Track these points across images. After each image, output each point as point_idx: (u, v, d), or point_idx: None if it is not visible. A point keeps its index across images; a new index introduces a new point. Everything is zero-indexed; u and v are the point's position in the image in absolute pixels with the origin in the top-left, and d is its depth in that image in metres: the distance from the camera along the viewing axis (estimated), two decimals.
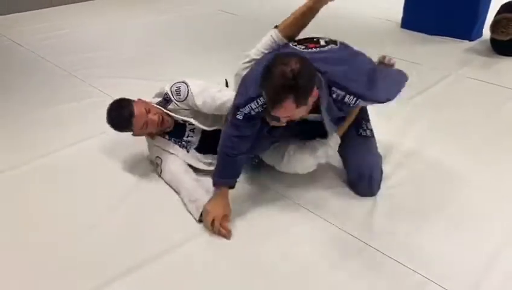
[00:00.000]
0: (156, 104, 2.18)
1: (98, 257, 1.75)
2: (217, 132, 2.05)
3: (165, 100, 2.18)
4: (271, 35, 2.02)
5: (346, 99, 1.72)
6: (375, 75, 1.81)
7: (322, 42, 1.94)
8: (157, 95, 2.23)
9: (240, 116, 1.77)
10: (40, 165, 2.31)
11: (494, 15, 3.63)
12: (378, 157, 2.09)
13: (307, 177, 2.08)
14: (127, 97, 2.17)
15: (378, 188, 2.05)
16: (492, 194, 2.09)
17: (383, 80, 1.87)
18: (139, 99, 2.16)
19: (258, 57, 1.99)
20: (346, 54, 1.92)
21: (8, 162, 2.32)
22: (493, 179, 2.19)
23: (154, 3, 5.39)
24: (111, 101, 2.16)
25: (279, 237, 1.84)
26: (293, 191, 2.08)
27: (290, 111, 1.58)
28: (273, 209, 1.99)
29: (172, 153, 2.16)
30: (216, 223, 1.80)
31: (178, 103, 2.15)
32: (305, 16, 2.07)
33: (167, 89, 2.18)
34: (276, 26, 2.04)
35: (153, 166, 2.23)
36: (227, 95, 2.07)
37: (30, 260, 1.74)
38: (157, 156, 2.18)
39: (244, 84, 1.82)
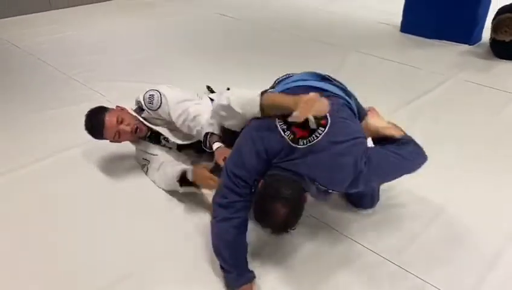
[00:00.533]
0: (134, 110, 2.18)
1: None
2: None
3: (139, 108, 2.18)
4: (254, 99, 1.67)
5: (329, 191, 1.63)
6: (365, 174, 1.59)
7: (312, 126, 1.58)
8: (136, 102, 2.23)
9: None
10: (38, 168, 2.31)
11: (492, 18, 3.65)
12: None
13: None
14: (104, 106, 2.18)
15: (378, 200, 2.04)
16: (492, 198, 2.09)
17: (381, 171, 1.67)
18: (118, 106, 2.16)
19: (235, 110, 1.71)
20: (335, 151, 1.57)
21: (6, 165, 2.32)
22: (493, 183, 2.19)
23: (154, 8, 5.40)
24: (110, 104, 2.17)
25: None
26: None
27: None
28: None
29: (156, 155, 2.18)
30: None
31: (150, 112, 2.14)
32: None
33: (140, 97, 2.16)
34: (263, 93, 1.70)
35: (140, 167, 2.26)
36: (203, 109, 2.01)
37: (28, 263, 1.74)
38: (144, 158, 2.22)
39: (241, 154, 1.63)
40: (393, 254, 1.76)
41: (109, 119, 2.05)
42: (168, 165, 2.09)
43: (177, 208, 2.03)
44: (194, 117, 2.00)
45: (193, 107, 2.04)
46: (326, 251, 1.80)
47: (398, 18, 4.53)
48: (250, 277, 1.65)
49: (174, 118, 2.06)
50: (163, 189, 2.10)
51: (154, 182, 2.16)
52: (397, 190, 2.13)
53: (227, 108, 1.74)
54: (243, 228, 1.65)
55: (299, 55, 3.90)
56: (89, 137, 2.13)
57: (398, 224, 1.93)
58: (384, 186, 2.00)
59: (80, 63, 3.61)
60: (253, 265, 1.68)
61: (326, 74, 1.95)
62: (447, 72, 3.51)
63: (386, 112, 2.84)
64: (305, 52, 3.98)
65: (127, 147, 2.33)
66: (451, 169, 2.30)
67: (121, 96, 2.85)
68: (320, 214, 1.97)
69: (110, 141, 2.14)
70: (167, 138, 2.19)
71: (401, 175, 1.73)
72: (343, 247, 1.82)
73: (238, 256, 1.66)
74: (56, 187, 2.18)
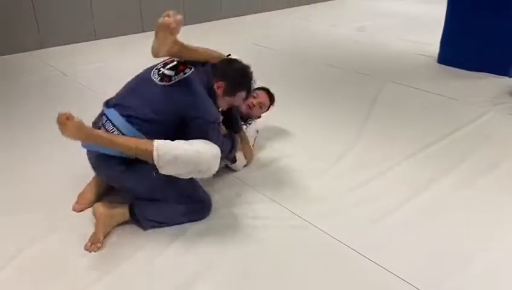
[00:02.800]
0: None
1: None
2: None
3: None
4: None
5: None
6: None
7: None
8: None
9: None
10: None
11: None
12: None
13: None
14: None
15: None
16: None
17: None
18: None
19: None
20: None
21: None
22: None
23: (188, 38, 5.53)
24: None
25: None
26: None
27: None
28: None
29: None
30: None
31: None
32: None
33: None
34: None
35: None
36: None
37: None
38: None
39: (204, 104, 2.02)
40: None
41: None
42: None
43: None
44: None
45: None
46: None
47: (435, 49, 4.52)
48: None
49: None
50: None
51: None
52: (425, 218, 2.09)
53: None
54: None
55: (334, 86, 3.94)
56: None
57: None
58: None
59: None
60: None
61: None
62: (486, 104, 3.46)
63: (425, 144, 2.85)
64: (340, 83, 4.01)
65: None
66: (487, 203, 2.25)
67: None
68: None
69: None
70: None
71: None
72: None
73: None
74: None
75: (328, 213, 2.16)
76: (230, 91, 2.13)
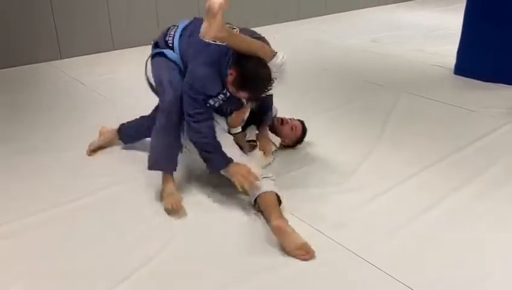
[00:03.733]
0: None
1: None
2: None
3: None
4: None
5: None
6: None
7: None
8: None
9: (209, 104, 2.23)
10: (96, 200, 2.42)
11: None
12: None
13: None
14: None
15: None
16: None
17: None
18: None
19: None
20: None
21: (68, 196, 2.43)
22: None
23: None
24: None
25: None
26: None
27: None
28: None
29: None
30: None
31: None
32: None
33: None
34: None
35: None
36: None
37: None
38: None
39: (203, 81, 2.20)
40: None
41: None
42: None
43: None
44: None
45: None
46: None
47: (451, 60, 4.49)
48: (231, 159, 2.21)
49: None
50: None
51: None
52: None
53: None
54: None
55: (350, 96, 3.94)
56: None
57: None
58: None
59: (136, 101, 3.76)
60: None
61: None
62: (504, 115, 3.42)
63: (441, 155, 2.82)
64: (356, 93, 4.01)
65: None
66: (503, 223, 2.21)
67: None
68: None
69: None
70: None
71: None
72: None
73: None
74: (113, 216, 2.27)
75: (343, 224, 2.16)
76: (236, 84, 2.17)
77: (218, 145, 2.26)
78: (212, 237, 2.11)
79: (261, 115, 2.64)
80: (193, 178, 2.58)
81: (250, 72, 2.14)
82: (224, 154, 2.25)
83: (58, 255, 1.99)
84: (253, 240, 2.07)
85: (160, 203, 2.32)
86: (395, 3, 8.84)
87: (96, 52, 5.35)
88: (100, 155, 2.88)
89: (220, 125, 2.44)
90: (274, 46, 2.33)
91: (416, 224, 2.16)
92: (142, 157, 2.59)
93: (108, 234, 2.12)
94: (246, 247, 2.03)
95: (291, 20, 7.14)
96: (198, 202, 2.37)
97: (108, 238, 2.10)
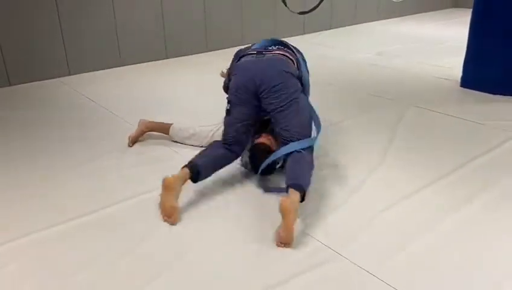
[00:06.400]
0: None
1: None
2: None
3: None
4: None
5: None
6: None
7: None
8: None
9: None
10: (105, 215, 2.43)
11: None
12: None
13: None
14: None
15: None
16: None
17: None
18: None
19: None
20: None
21: (76, 211, 2.44)
22: None
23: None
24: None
25: None
26: None
27: None
28: None
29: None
30: None
31: None
32: None
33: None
34: None
35: None
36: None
37: None
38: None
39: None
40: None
41: None
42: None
43: None
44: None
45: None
46: None
47: (457, 73, 4.49)
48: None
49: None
50: None
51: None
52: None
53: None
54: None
55: (356, 110, 3.94)
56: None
57: None
58: None
59: (144, 116, 3.81)
60: None
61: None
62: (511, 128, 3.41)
63: (450, 168, 2.81)
64: (362, 107, 4.01)
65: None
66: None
67: (188, 150, 3.01)
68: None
69: None
70: None
71: None
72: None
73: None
74: (123, 233, 2.28)
75: (350, 239, 2.15)
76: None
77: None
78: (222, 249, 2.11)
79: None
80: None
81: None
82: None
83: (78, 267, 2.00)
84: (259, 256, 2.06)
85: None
86: (400, 16, 8.89)
87: (104, 68, 5.41)
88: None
89: None
90: None
91: (424, 239, 2.14)
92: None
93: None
94: (249, 267, 2.02)
95: (297, 35, 7.19)
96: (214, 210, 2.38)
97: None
